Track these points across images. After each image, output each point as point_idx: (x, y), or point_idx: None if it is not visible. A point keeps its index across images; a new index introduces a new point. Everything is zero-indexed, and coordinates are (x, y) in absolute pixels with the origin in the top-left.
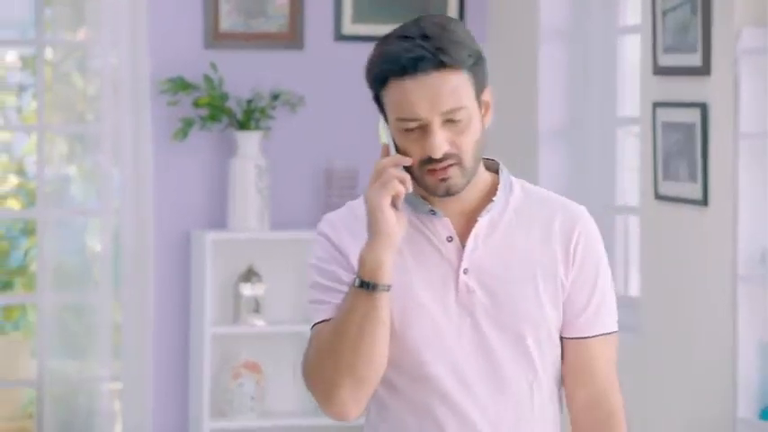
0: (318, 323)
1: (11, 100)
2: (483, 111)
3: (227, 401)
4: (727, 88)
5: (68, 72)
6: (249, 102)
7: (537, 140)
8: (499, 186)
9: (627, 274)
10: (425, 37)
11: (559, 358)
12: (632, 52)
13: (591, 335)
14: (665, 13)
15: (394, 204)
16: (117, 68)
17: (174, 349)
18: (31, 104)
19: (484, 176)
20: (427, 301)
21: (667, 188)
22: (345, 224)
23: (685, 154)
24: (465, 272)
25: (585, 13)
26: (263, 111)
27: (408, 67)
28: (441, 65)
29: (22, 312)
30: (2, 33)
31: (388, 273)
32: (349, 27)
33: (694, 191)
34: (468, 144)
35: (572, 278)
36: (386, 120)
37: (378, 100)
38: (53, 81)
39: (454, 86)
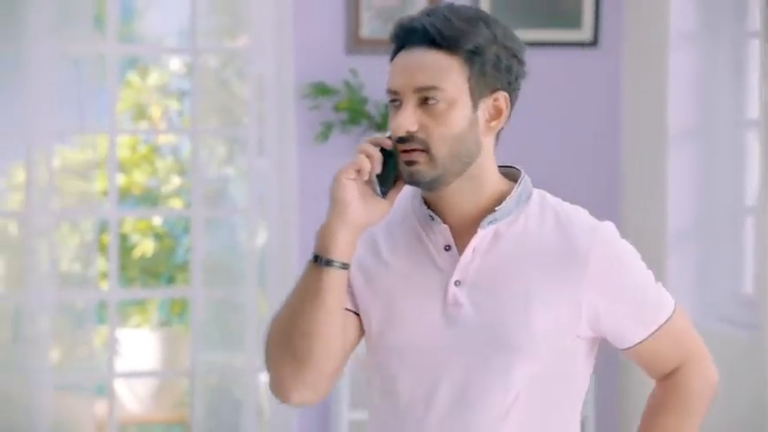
0: None
1: (175, 104)
2: (489, 115)
3: (365, 392)
4: None
5: (227, 78)
6: (387, 105)
7: (666, 142)
8: (510, 196)
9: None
10: (431, 14)
11: (558, 388)
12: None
13: (640, 340)
14: None
15: (393, 190)
16: (265, 74)
17: None
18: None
19: (496, 184)
20: (409, 309)
21: None
22: None
23: None
24: (456, 284)
25: (715, 16)
26: None
27: (401, 37)
28: (431, 42)
29: (185, 306)
30: (166, 41)
31: (341, 250)
32: None
33: None
34: (441, 134)
35: (606, 306)
36: None
37: None
38: (212, 86)
39: (437, 66)
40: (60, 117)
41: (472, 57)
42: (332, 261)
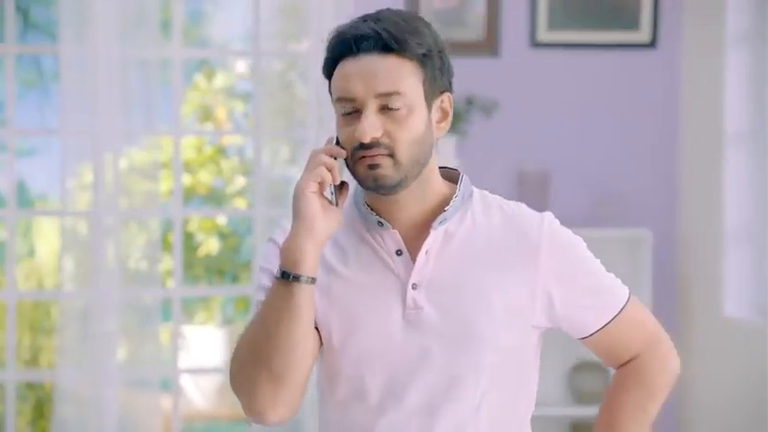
0: None
1: (240, 106)
2: (438, 116)
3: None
4: None
5: (290, 81)
6: None
7: (724, 142)
8: (455, 197)
9: None
10: (378, 20)
11: (520, 379)
12: None
13: (598, 328)
14: None
15: (339, 198)
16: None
17: None
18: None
19: (440, 186)
20: (370, 316)
21: None
22: None
23: None
24: (414, 287)
25: None
26: (458, 115)
27: (352, 45)
28: (384, 47)
29: (249, 304)
30: (232, 45)
31: (310, 265)
32: (544, 34)
33: None
34: (404, 138)
35: (561, 294)
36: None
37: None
38: (276, 89)
39: (394, 71)
40: (128, 119)
41: (424, 60)
42: (300, 276)
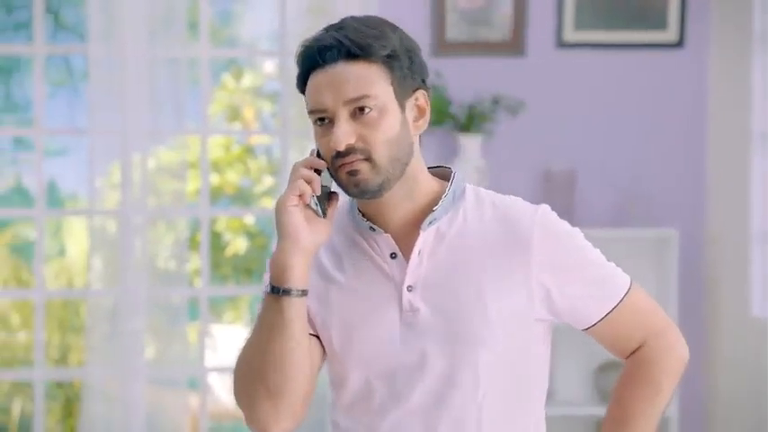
0: None
1: (267, 106)
2: (414, 115)
3: None
4: None
5: None
6: (472, 106)
7: (751, 143)
8: (445, 194)
9: None
10: (340, 29)
11: (523, 374)
12: None
13: (599, 318)
14: None
15: (328, 208)
16: None
17: None
18: (285, 111)
19: (430, 185)
20: (368, 321)
21: None
22: None
23: None
24: (409, 289)
25: None
26: (484, 115)
27: (317, 57)
28: (348, 54)
29: None
30: (260, 44)
31: (299, 277)
32: (571, 34)
33: None
34: (379, 140)
35: (558, 286)
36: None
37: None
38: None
39: (361, 75)
40: (156, 118)
41: (390, 61)
42: (290, 290)
